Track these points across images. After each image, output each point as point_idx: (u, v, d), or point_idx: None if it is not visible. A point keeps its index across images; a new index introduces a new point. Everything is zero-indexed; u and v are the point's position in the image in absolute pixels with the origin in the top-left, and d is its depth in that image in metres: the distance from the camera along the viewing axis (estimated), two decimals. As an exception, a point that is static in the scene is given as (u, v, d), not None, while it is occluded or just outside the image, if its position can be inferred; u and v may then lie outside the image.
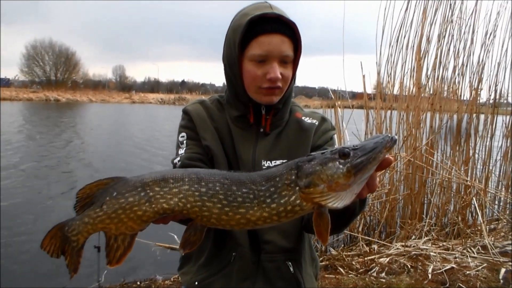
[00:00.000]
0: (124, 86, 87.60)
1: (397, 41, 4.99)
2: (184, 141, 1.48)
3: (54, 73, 67.21)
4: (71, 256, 1.08)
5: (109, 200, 1.04)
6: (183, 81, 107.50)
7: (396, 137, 1.01)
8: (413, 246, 4.23)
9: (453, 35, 5.02)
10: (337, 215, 1.22)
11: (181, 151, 1.46)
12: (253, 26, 1.33)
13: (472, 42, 5.05)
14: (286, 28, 1.34)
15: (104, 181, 1.06)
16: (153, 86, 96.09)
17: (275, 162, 1.42)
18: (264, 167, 1.40)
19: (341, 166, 0.98)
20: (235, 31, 1.37)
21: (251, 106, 1.45)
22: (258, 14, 1.32)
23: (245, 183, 1.05)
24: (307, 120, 1.54)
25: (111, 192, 1.04)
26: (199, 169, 1.13)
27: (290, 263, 1.46)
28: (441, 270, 3.67)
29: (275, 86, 1.37)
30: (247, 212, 1.04)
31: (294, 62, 1.42)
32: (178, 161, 1.43)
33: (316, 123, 1.54)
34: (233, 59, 1.40)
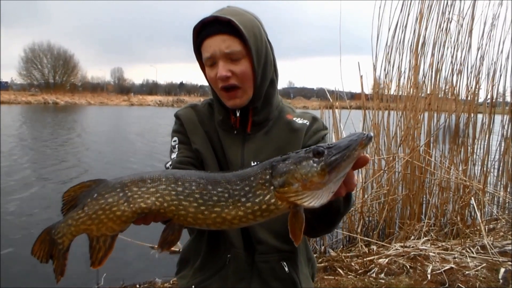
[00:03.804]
0: (122, 88, 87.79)
1: (393, 39, 4.99)
2: (176, 146, 1.51)
3: (53, 76, 67.35)
4: (58, 260, 1.10)
5: (90, 201, 1.07)
6: (181, 83, 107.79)
7: (372, 134, 1.02)
8: (412, 247, 4.22)
9: (450, 34, 5.02)
10: (322, 215, 1.23)
11: (173, 155, 1.49)
12: (198, 34, 1.40)
13: (469, 41, 5.06)
14: (226, 27, 1.35)
15: (87, 183, 1.09)
16: (151, 88, 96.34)
17: None
18: None
19: (315, 165, 0.98)
20: None
21: (230, 109, 1.47)
22: (199, 21, 1.38)
23: (220, 183, 1.06)
24: (298, 120, 1.54)
25: (93, 194, 1.07)
26: (177, 170, 1.15)
27: (284, 263, 1.47)
28: (440, 271, 3.66)
29: (229, 85, 1.38)
30: (223, 211, 1.05)
31: (251, 57, 1.38)
32: (170, 165, 1.45)
33: (307, 123, 1.53)
34: (200, 66, 1.48)
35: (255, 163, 1.43)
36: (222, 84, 1.38)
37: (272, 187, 1.02)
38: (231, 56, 1.36)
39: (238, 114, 1.46)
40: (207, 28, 1.37)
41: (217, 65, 1.37)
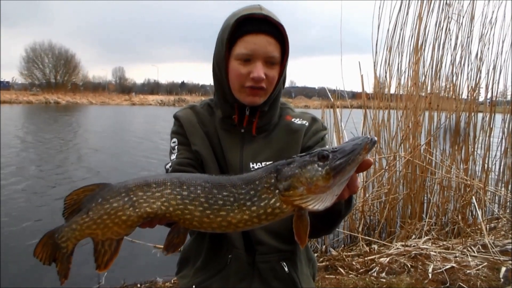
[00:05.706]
0: (124, 88, 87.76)
1: (393, 38, 4.99)
2: (176, 147, 1.51)
3: (54, 76, 67.38)
4: (62, 263, 1.10)
5: (95, 206, 1.06)
6: (182, 83, 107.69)
7: (376, 138, 1.02)
8: (413, 246, 4.22)
9: (450, 33, 5.02)
10: (323, 217, 1.23)
11: (173, 157, 1.48)
12: (240, 26, 1.35)
13: (470, 39, 5.05)
14: (273, 30, 1.35)
15: (90, 187, 1.09)
16: (152, 87, 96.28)
17: (265, 164, 1.42)
18: (253, 170, 1.41)
19: (320, 169, 0.99)
20: (224, 31, 1.39)
21: (236, 106, 1.46)
22: (245, 14, 1.34)
23: (225, 187, 1.07)
24: (297, 121, 1.54)
25: (97, 198, 1.07)
26: (181, 174, 1.14)
27: (284, 263, 1.48)
28: (441, 270, 3.66)
29: (258, 86, 1.38)
30: (228, 215, 1.05)
31: (282, 64, 1.41)
32: (170, 166, 1.46)
33: (306, 124, 1.53)
34: (221, 57, 1.42)
35: (254, 164, 1.44)
36: (253, 84, 1.37)
37: (277, 191, 1.02)
38: (271, 60, 1.37)
39: (247, 113, 1.46)
40: (254, 24, 1.35)
41: (253, 63, 1.36)
